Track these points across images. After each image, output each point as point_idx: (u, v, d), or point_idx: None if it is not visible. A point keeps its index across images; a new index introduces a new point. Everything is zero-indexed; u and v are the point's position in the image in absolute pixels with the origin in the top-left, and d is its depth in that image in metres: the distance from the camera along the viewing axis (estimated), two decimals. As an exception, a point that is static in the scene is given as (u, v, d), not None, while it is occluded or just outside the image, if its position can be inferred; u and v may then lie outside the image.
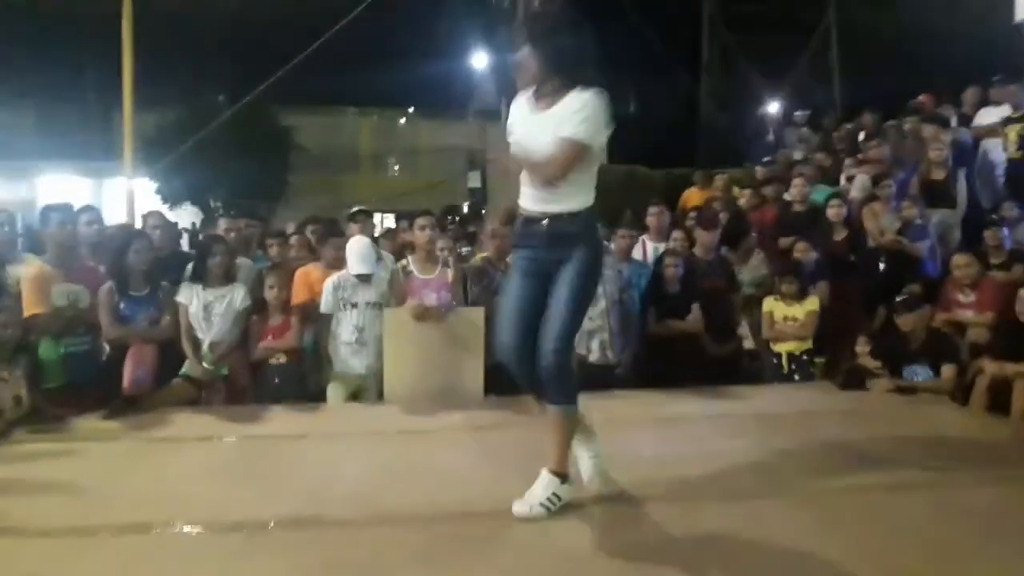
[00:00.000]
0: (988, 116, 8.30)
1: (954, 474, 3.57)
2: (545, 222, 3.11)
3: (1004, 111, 7.97)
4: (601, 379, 5.29)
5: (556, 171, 3.04)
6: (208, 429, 4.47)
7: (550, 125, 3.03)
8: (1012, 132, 7.69)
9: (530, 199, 3.17)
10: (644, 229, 6.86)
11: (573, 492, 3.16)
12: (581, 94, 3.00)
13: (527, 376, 3.17)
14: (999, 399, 4.86)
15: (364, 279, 5.27)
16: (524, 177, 3.19)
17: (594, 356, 5.49)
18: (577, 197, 3.12)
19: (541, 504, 3.07)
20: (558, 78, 3.05)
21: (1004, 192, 7.64)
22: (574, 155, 3.01)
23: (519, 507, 3.07)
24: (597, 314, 5.40)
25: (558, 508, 3.08)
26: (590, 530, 2.97)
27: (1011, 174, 7.73)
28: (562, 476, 3.12)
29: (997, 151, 7.83)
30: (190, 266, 5.48)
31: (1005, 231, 6.33)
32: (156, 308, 5.15)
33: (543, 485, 3.11)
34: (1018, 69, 8.32)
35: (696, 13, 26.91)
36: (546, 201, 3.12)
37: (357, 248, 5.31)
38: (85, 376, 4.92)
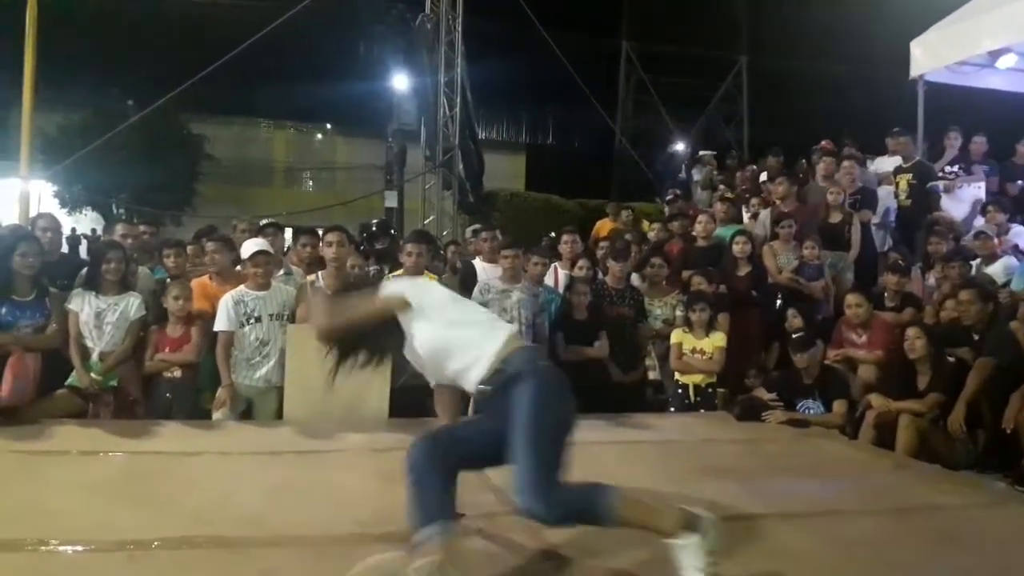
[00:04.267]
0: (884, 164, 8.76)
1: (840, 505, 3.70)
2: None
3: (897, 161, 8.41)
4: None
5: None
6: (93, 443, 4.26)
7: None
8: (903, 181, 8.13)
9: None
10: (557, 256, 6.94)
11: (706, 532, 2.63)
12: None
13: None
14: (886, 434, 5.08)
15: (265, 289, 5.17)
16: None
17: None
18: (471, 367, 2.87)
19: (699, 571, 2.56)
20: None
21: (895, 237, 8.06)
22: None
23: None
24: None
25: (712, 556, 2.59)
26: (481, 555, 2.94)
27: (901, 220, 8.15)
28: (670, 534, 2.62)
29: (890, 198, 8.24)
30: (84, 272, 5.25)
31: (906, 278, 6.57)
32: (42, 314, 4.91)
33: (683, 556, 2.59)
34: (912, 122, 8.82)
35: (615, 51, 27.63)
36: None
37: (253, 240, 5.45)
38: (-39, 384, 4.63)
